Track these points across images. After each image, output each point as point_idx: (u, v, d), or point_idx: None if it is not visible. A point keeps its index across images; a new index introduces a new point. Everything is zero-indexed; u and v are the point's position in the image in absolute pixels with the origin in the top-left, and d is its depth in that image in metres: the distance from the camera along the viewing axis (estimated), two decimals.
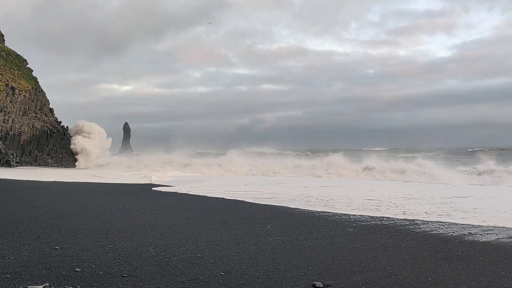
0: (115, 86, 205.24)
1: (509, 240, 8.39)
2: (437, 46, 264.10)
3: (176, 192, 18.12)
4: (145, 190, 19.27)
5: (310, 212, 12.04)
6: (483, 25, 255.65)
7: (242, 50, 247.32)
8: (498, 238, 8.50)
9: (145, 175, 31.29)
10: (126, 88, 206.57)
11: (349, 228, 9.45)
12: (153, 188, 20.04)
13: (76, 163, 50.36)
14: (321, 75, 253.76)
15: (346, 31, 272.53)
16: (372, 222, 10.33)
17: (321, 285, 5.23)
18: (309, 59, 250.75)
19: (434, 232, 9.13)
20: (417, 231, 9.23)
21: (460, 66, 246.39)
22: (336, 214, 11.77)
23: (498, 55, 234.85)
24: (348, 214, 11.66)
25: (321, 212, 12.15)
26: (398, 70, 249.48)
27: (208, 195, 16.85)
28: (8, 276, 5.34)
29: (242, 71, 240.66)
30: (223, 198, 15.77)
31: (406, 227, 9.72)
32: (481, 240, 8.28)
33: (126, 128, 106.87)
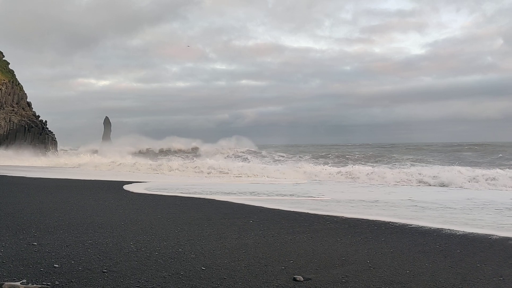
0: (93, 81, 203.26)
1: (484, 233, 8.60)
2: (411, 44, 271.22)
3: (156, 188, 18.01)
4: (126, 185, 19.08)
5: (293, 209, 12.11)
6: (452, 24, 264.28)
7: (219, 46, 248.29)
8: (474, 231, 8.70)
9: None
10: (104, 82, 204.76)
11: (330, 223, 9.55)
12: (133, 184, 19.86)
13: None
14: (299, 71, 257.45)
15: (319, 28, 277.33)
16: (353, 217, 10.45)
17: (302, 279, 5.28)
18: (285, 55, 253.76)
19: (413, 226, 9.30)
20: (397, 225, 9.38)
21: (434, 64, 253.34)
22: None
23: (469, 53, 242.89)
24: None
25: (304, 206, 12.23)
26: (374, 67, 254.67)
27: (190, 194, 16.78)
28: None
29: (220, 66, 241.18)
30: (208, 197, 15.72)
31: (386, 221, 9.87)
32: (458, 234, 8.47)
33: (107, 123, 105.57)
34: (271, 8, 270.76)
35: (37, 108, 55.45)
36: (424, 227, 9.14)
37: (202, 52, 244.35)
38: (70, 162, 41.38)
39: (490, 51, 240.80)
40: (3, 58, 54.09)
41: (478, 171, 21.83)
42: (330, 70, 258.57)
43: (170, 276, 5.31)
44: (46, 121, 54.04)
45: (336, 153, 51.08)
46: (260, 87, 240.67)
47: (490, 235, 8.35)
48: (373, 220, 9.91)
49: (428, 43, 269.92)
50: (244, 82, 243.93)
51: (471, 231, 8.65)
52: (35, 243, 6.83)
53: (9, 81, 50.79)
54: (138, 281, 5.06)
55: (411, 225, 9.37)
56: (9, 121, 48.96)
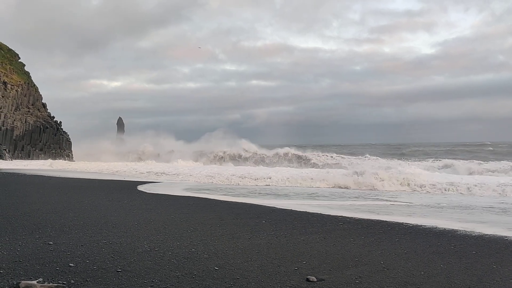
0: (105, 82, 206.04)
1: (500, 234, 8.46)
2: (420, 43, 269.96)
3: (170, 188, 18.11)
4: (140, 185, 19.23)
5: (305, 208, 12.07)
6: (461, 24, 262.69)
7: (228, 47, 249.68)
8: (490, 232, 8.57)
9: None
10: (115, 84, 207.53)
11: (343, 223, 9.50)
12: (146, 184, 20.01)
13: None
14: (309, 71, 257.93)
15: (328, 29, 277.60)
16: (366, 217, 10.38)
17: (315, 279, 5.26)
18: (295, 56, 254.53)
19: (427, 226, 9.20)
20: (410, 225, 9.29)
21: (445, 63, 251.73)
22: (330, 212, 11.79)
23: (480, 52, 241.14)
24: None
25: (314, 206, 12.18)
26: (385, 66, 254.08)
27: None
28: (1, 271, 5.32)
29: (229, 67, 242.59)
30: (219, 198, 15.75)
31: (399, 222, 9.78)
32: (473, 234, 8.35)
33: (120, 123, 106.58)
34: (279, 9, 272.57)
35: (51, 109, 56.14)
36: (438, 227, 9.04)
37: (212, 53, 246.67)
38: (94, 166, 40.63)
39: (501, 50, 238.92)
40: (19, 60, 54.93)
41: None
42: (340, 70, 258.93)
43: (184, 276, 5.34)
44: (60, 122, 54.68)
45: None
46: (271, 87, 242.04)
47: (506, 236, 8.23)
48: (386, 221, 9.83)
49: (438, 43, 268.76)
50: (254, 82, 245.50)
51: (486, 232, 8.53)
52: (51, 243, 6.92)
53: (24, 83, 51.55)
54: (152, 281, 5.10)
55: (425, 225, 9.27)
56: (25, 122, 49.70)
